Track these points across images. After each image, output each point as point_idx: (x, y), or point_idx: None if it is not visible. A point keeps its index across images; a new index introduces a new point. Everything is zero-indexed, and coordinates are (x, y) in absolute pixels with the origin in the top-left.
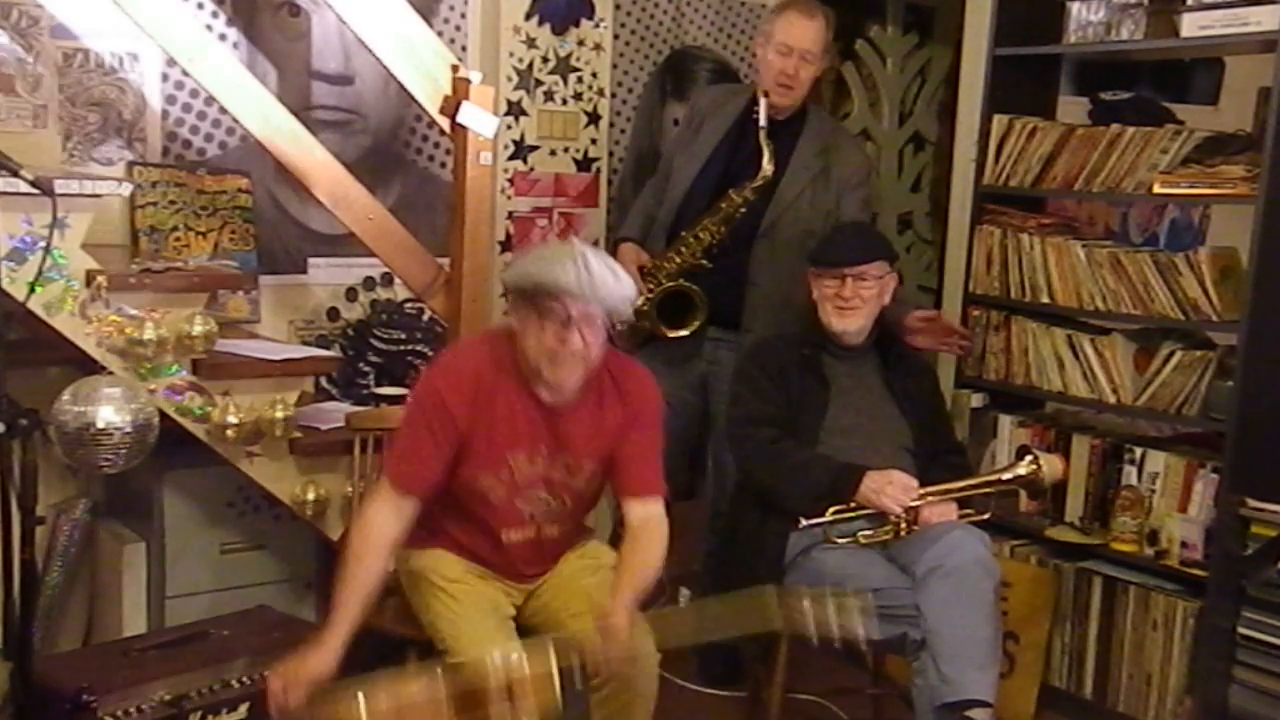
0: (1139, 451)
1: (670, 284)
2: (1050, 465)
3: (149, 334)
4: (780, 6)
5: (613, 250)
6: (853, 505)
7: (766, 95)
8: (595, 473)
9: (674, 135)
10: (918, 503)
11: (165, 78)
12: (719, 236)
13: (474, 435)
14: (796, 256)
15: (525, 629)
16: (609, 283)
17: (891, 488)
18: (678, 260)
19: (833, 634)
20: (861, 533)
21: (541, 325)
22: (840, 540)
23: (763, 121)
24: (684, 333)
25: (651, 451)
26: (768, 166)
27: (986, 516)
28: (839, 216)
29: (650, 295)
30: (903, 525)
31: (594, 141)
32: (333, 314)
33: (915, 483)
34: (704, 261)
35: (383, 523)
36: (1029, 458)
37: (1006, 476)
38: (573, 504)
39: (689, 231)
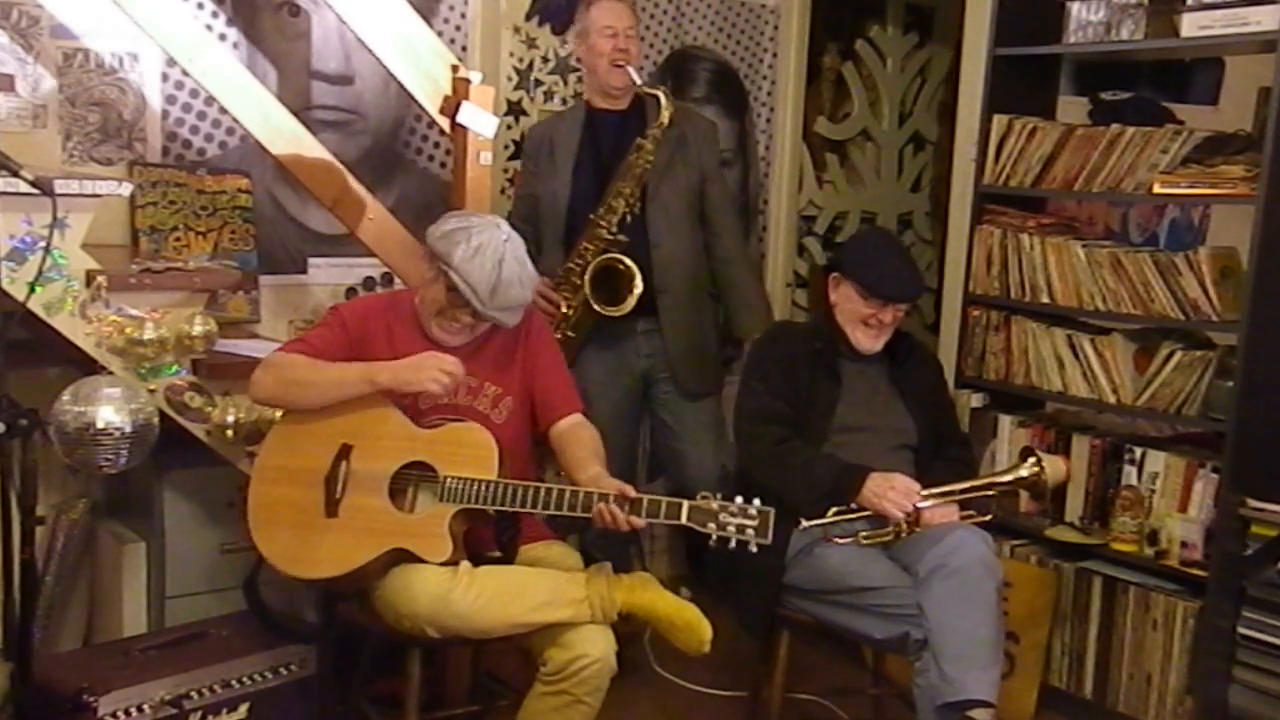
0: (1139, 451)
1: (600, 260)
2: (1054, 467)
3: (149, 334)
4: (585, 5)
5: None
6: (854, 506)
7: (620, 65)
8: (500, 397)
9: (525, 175)
10: (921, 505)
11: (165, 78)
12: (632, 200)
13: (371, 357)
14: (684, 214)
15: None
16: (513, 294)
17: (894, 493)
18: (592, 247)
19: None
20: (862, 534)
21: (447, 298)
22: (841, 540)
23: (637, 80)
24: (627, 307)
25: (562, 372)
26: (666, 109)
27: (988, 519)
28: (703, 173)
29: (571, 298)
30: (903, 528)
31: None
32: None
33: (917, 486)
34: (620, 235)
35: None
36: (1032, 459)
37: (1009, 478)
38: (504, 458)
39: (599, 213)
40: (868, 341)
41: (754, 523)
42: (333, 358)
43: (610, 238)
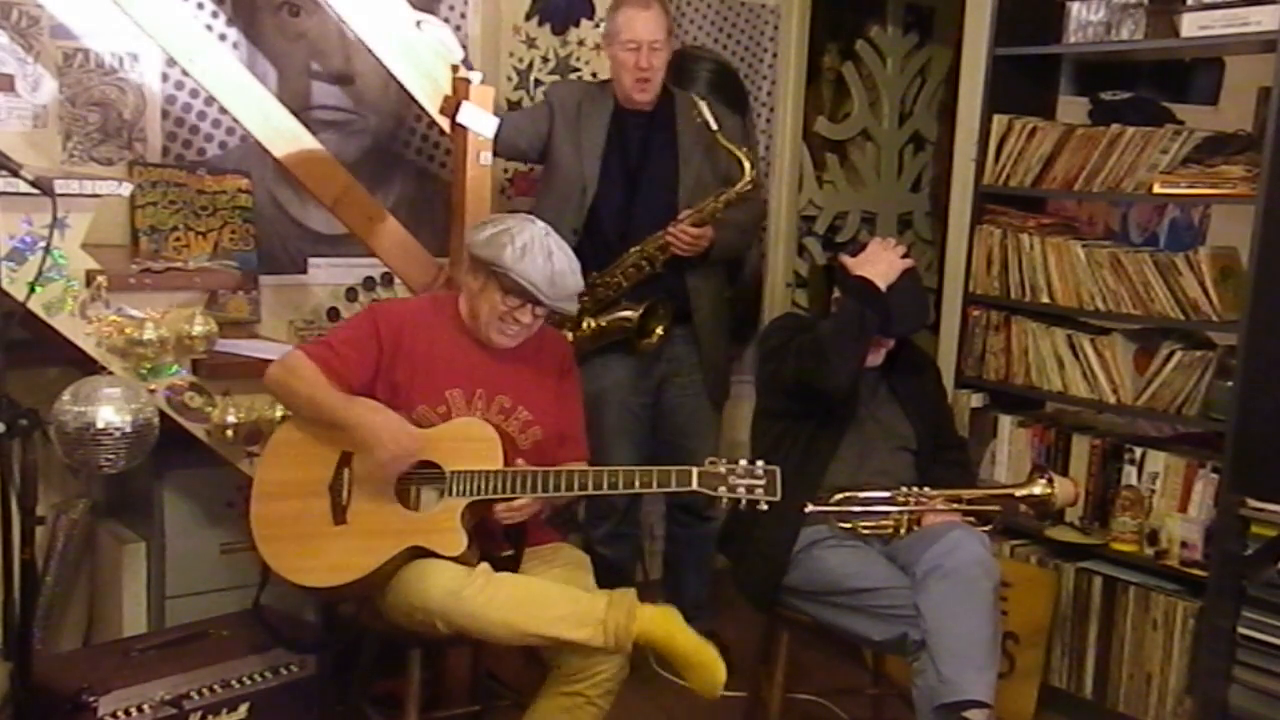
0: (1139, 451)
1: (652, 302)
2: (1064, 490)
3: (149, 334)
4: (614, 6)
5: None
6: (859, 496)
7: (702, 99)
8: (529, 424)
9: (539, 108)
10: (926, 507)
11: (165, 78)
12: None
13: (408, 366)
14: (717, 225)
15: None
16: (570, 282)
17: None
18: (632, 271)
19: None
20: (861, 524)
21: (502, 299)
22: (843, 525)
23: (713, 125)
24: (653, 340)
25: (581, 419)
26: (750, 172)
27: (990, 528)
28: (727, 179)
29: (598, 318)
30: (904, 522)
31: None
32: (333, 314)
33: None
34: (661, 270)
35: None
36: (1044, 480)
37: (1019, 494)
38: (508, 451)
39: (650, 243)
40: (871, 358)
41: (761, 482)
42: (354, 369)
43: (653, 271)
